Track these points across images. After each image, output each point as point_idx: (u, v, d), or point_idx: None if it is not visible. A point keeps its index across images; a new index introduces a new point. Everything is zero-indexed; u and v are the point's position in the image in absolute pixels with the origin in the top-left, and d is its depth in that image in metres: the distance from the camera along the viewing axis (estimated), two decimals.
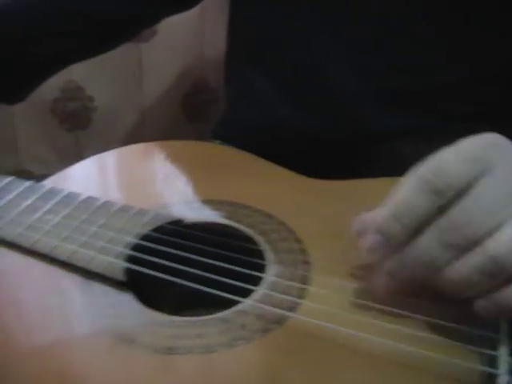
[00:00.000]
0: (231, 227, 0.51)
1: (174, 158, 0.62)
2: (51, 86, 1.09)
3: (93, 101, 1.20)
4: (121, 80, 1.19)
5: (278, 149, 0.61)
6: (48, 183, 0.56)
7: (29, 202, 0.52)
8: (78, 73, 1.13)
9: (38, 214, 0.51)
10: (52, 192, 0.54)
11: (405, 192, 0.32)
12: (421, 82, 0.60)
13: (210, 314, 0.41)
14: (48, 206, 0.52)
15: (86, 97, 1.18)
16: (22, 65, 0.71)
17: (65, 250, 0.47)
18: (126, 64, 1.18)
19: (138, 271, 0.44)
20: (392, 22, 0.59)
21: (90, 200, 0.53)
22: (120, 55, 1.07)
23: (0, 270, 0.47)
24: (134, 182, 0.59)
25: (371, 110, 0.62)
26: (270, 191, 0.56)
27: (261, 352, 0.38)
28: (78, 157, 1.25)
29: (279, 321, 0.40)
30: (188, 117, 1.26)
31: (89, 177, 0.60)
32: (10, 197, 0.53)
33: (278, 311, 0.40)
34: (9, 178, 0.55)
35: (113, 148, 1.25)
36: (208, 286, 0.43)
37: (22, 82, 0.72)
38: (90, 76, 1.16)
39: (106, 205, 0.52)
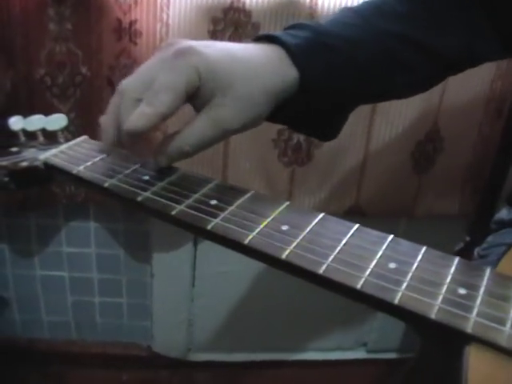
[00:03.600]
0: None
1: None
2: None
3: None
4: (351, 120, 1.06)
5: None
6: None
7: None
8: None
9: None
10: None
11: None
12: None
13: None
14: None
15: None
16: (356, 97, 0.58)
17: None
18: None
19: None
20: None
21: None
22: None
23: None
24: None
25: None
26: None
27: None
28: (289, 193, 1.15)
29: None
30: (415, 165, 1.12)
31: None
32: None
33: None
34: None
35: (325, 190, 1.14)
36: None
37: (345, 115, 0.60)
38: None
39: None
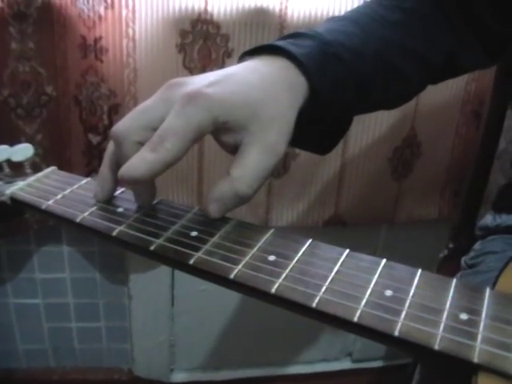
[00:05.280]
0: None
1: None
2: None
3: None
4: None
5: None
6: None
7: None
8: None
9: None
10: None
11: None
12: None
13: None
14: None
15: None
16: (354, 109, 0.56)
17: None
18: None
19: None
20: None
21: None
22: None
23: None
24: None
25: None
26: None
27: None
28: (267, 206, 1.12)
29: None
30: (393, 171, 1.11)
31: None
32: None
33: None
34: None
35: (303, 201, 1.12)
36: None
37: (345, 128, 0.57)
38: None
39: None
